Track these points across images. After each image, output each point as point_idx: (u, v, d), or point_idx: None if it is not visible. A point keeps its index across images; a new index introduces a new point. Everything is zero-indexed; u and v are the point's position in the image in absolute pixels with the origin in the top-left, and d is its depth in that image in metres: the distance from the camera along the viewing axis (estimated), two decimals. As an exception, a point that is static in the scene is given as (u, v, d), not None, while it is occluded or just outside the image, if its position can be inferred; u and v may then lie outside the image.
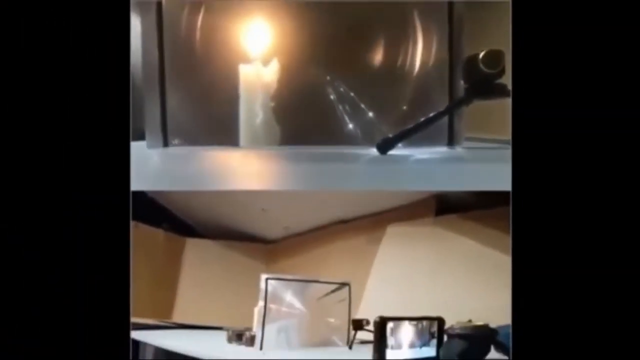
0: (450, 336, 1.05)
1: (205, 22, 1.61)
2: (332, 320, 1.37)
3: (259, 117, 1.58)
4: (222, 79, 1.62)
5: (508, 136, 0.88)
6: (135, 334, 1.29)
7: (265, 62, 1.60)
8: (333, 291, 1.38)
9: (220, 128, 1.62)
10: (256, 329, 1.28)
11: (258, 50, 1.61)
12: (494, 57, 1.40)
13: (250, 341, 1.33)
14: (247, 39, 1.62)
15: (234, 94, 1.60)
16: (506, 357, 0.98)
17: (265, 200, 1.84)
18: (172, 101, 1.61)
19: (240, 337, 1.37)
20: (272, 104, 1.59)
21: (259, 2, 1.61)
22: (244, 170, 1.37)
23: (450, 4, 1.61)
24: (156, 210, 1.93)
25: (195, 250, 2.02)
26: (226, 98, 1.61)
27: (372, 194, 1.60)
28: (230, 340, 1.39)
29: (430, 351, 1.07)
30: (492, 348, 1.03)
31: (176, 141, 1.61)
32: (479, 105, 1.48)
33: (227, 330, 1.42)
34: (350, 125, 1.61)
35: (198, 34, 1.61)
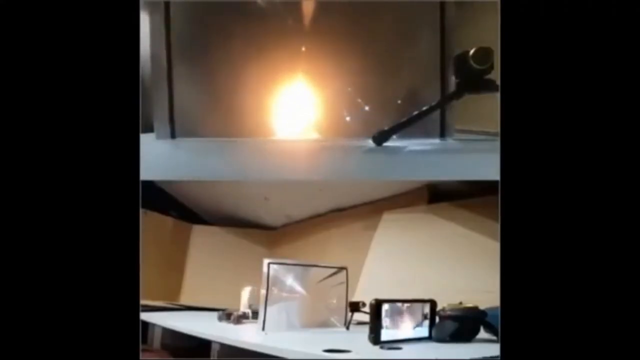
0: (442, 317, 1.04)
1: (211, 18, 1.60)
2: (330, 302, 1.37)
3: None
4: (228, 73, 1.60)
5: (497, 128, 0.88)
6: (144, 316, 1.29)
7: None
8: (331, 275, 1.38)
9: (225, 120, 1.61)
10: (260, 310, 1.27)
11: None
12: (484, 54, 1.39)
13: (237, 320, 1.39)
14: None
15: (239, 87, 1.59)
16: (495, 337, 0.98)
17: (267, 190, 1.83)
18: (179, 94, 1.60)
19: (229, 316, 1.41)
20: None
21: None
22: (247, 161, 1.37)
23: (442, 4, 1.59)
24: (165, 199, 1.94)
25: (201, 236, 2.02)
26: (231, 92, 1.60)
27: (369, 183, 1.59)
28: (220, 319, 1.43)
29: (423, 331, 1.07)
30: (482, 329, 1.03)
31: (183, 133, 1.59)
32: (469, 99, 1.47)
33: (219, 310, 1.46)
34: (348, 118, 1.60)
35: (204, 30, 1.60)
